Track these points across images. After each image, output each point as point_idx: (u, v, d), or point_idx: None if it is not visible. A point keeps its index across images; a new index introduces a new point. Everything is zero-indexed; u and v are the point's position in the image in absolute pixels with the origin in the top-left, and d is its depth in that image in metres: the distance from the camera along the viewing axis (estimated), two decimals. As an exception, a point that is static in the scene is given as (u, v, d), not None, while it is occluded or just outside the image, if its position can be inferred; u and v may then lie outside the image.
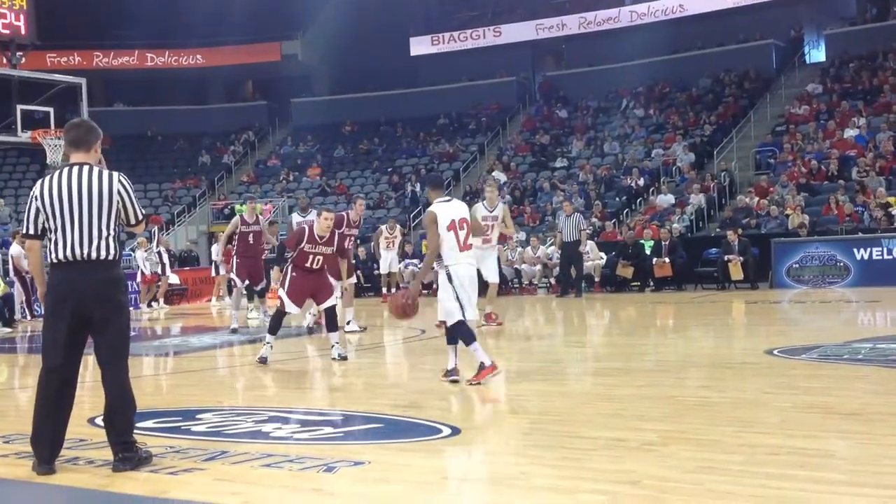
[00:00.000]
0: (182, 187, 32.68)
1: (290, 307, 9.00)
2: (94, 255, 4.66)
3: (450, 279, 7.06)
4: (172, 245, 25.86)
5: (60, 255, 4.66)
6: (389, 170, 30.93)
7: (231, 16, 32.65)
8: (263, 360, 8.93)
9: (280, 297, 9.06)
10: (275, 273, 11.76)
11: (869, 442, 4.74)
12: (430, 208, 7.23)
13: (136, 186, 32.51)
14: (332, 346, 8.90)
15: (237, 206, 29.69)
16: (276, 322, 9.05)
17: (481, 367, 7.07)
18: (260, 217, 12.84)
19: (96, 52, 35.02)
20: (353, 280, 12.67)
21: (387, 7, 32.53)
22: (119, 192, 4.80)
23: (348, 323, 11.80)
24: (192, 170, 33.92)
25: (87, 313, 4.66)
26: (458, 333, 7.13)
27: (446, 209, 7.14)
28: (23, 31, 19.28)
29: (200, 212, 30.98)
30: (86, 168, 4.80)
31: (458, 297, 7.04)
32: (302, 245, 8.92)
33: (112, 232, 4.75)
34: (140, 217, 4.88)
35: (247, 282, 12.57)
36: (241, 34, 34.70)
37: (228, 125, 35.82)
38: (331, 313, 8.94)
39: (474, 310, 7.29)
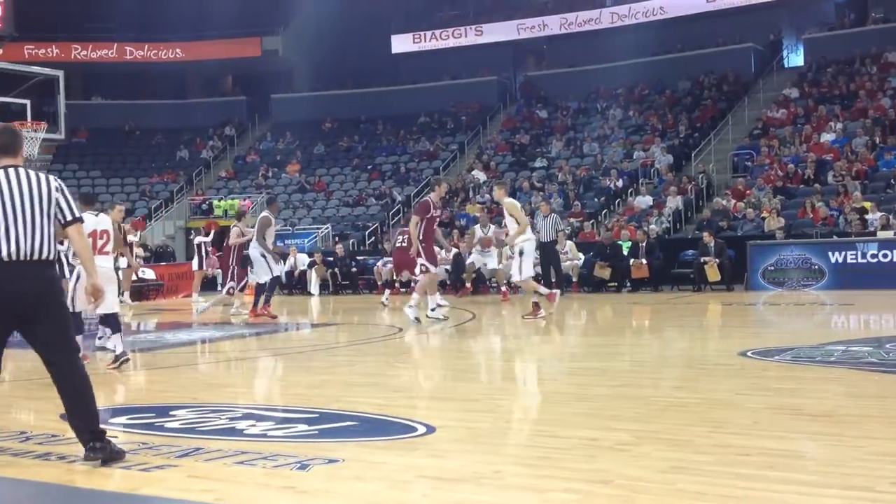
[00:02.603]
0: (160, 182, 32.48)
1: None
2: (37, 254, 4.69)
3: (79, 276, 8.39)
4: (149, 240, 25.70)
5: (4, 254, 4.66)
6: (369, 167, 30.89)
7: (212, 10, 32.49)
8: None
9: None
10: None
11: (839, 444, 4.78)
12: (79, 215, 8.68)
13: (113, 181, 32.57)
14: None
15: (215, 202, 29.60)
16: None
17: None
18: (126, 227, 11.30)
19: (74, 45, 34.69)
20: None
21: (369, 4, 32.49)
22: (57, 190, 4.84)
23: (433, 310, 12.17)
24: (169, 164, 33.72)
25: (28, 311, 4.68)
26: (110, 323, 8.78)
27: (92, 220, 8.49)
28: (0, 23, 19.07)
29: (178, 207, 30.80)
30: (21, 170, 4.84)
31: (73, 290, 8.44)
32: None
33: (52, 231, 4.79)
34: (75, 215, 4.91)
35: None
36: (222, 28, 34.53)
37: (207, 120, 35.61)
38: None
39: (107, 305, 8.44)
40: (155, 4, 33.28)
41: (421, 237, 11.89)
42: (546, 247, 17.25)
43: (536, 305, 12.38)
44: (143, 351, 10.87)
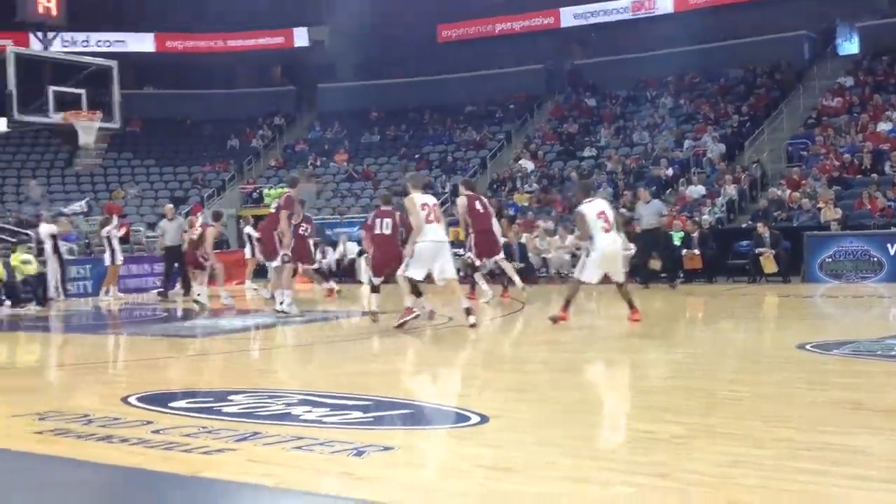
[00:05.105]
0: (211, 171, 32.88)
1: None
2: None
3: None
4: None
5: None
6: (417, 156, 30.93)
7: (259, 1, 32.75)
8: None
9: None
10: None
11: (902, 439, 4.70)
12: None
13: (166, 169, 33.02)
14: None
15: (265, 190, 29.87)
16: None
17: None
18: None
19: (127, 35, 35.21)
20: None
21: (415, -7, 32.51)
22: None
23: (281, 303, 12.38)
24: (221, 154, 34.11)
25: None
26: None
27: None
28: (54, 13, 19.36)
29: (229, 195, 31.16)
30: None
31: None
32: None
33: None
34: None
35: None
36: (270, 19, 34.81)
37: (257, 110, 35.96)
38: None
39: None
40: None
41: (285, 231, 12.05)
42: (648, 234, 16.35)
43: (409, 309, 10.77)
44: (199, 337, 11.03)
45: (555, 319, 10.17)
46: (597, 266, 9.89)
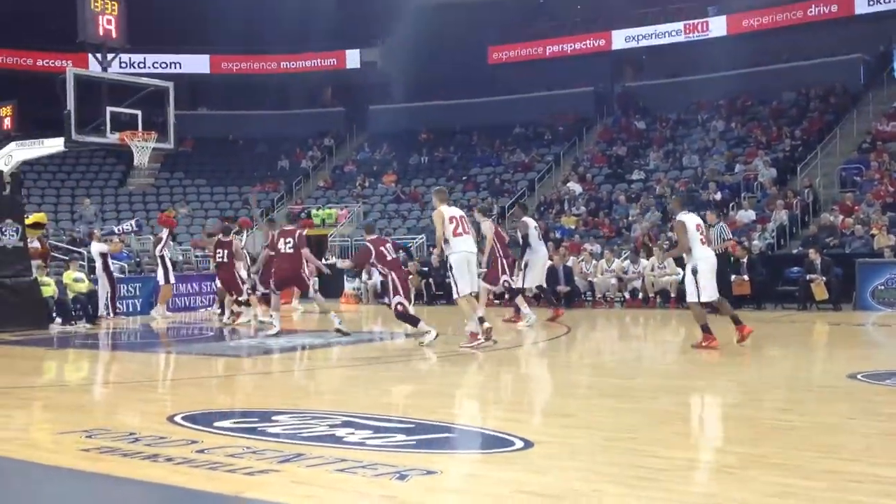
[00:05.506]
0: (261, 191, 33.27)
1: None
2: None
3: None
4: (250, 247, 26.24)
5: None
6: (464, 178, 30.98)
7: (312, 22, 33.19)
8: None
9: None
10: None
11: (960, 475, 4.55)
12: None
13: (217, 189, 33.50)
14: None
15: (314, 211, 30.16)
16: None
17: None
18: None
19: (181, 56, 35.92)
20: None
21: (466, 16, 32.66)
22: None
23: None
24: (271, 174, 34.51)
25: None
26: None
27: None
28: (114, 35, 19.78)
29: (278, 215, 31.49)
30: None
31: None
32: None
33: None
34: None
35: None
36: (322, 41, 35.25)
37: (307, 130, 36.38)
38: None
39: None
40: (257, 18, 34.19)
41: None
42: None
43: (473, 334, 10.69)
44: (245, 356, 11.12)
45: (698, 346, 10.28)
46: (711, 278, 10.20)
